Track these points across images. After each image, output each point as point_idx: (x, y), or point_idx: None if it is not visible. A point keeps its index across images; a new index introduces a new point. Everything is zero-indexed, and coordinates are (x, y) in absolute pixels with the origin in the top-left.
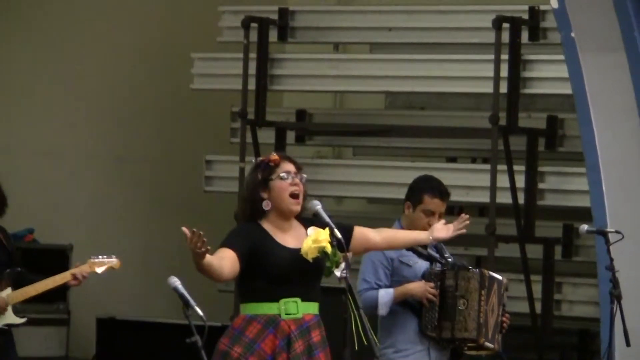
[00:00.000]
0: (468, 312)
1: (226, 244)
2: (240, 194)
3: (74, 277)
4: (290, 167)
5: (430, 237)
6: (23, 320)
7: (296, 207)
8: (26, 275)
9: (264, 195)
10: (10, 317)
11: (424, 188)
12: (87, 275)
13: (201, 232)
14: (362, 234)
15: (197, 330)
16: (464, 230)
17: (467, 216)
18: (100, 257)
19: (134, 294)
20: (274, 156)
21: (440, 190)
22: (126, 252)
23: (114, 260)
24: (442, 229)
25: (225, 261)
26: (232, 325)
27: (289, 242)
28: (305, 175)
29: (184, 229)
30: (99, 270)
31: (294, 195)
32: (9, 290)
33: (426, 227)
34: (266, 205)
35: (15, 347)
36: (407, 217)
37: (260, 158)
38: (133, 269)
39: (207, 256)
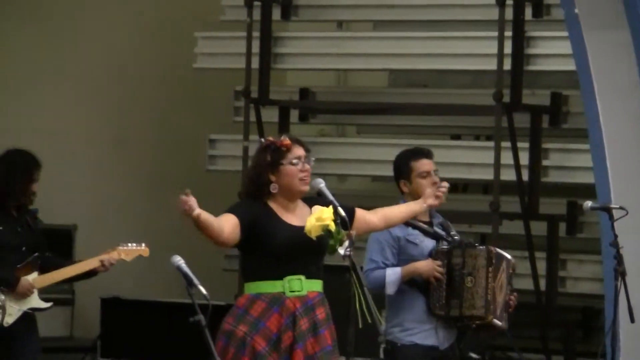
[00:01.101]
0: (476, 290)
1: (229, 210)
2: (245, 172)
3: (102, 263)
4: (301, 151)
5: (424, 204)
6: (49, 305)
7: (305, 188)
8: (53, 259)
9: (272, 178)
10: (36, 301)
11: (406, 157)
12: (115, 263)
13: (188, 194)
14: (363, 217)
15: (201, 309)
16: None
17: (446, 183)
18: (129, 244)
19: (138, 273)
20: (286, 140)
21: (419, 151)
22: (129, 231)
23: (143, 249)
24: (431, 196)
25: (225, 224)
26: (236, 305)
27: (293, 221)
28: (313, 158)
29: (182, 196)
30: (128, 258)
31: (302, 180)
32: (35, 275)
33: (432, 188)
34: (273, 188)
35: (38, 331)
36: (410, 194)
37: (270, 139)
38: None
39: (205, 215)
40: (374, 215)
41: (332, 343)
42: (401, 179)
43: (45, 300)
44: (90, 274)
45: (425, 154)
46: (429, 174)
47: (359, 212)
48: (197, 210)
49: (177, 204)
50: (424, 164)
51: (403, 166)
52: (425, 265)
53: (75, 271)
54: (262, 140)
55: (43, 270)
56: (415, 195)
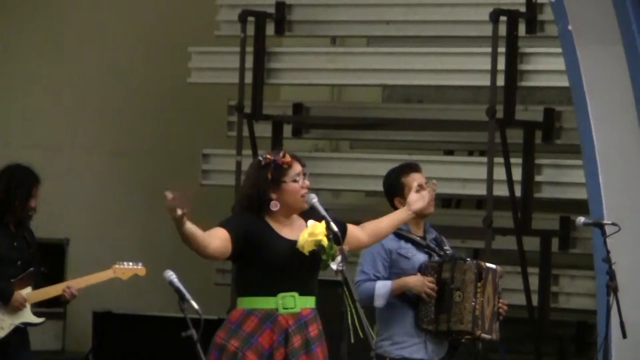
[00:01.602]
0: (464, 305)
1: (221, 224)
2: (239, 188)
3: (64, 291)
4: (299, 167)
5: (410, 211)
6: (41, 320)
7: (306, 205)
8: (47, 275)
9: (274, 195)
10: (28, 316)
11: (395, 175)
12: (76, 294)
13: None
14: (353, 233)
15: (193, 323)
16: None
17: (434, 181)
18: (125, 263)
19: (131, 287)
20: (287, 158)
21: (407, 165)
22: (123, 245)
23: (140, 268)
24: (417, 200)
25: (214, 239)
26: (228, 319)
27: (288, 234)
28: (307, 172)
29: (167, 192)
30: (124, 277)
31: (304, 196)
32: (29, 289)
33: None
34: (274, 205)
35: (30, 346)
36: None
37: (269, 156)
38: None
39: (190, 225)
40: (361, 232)
41: None
42: (395, 197)
43: (38, 314)
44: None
45: (414, 168)
46: (422, 187)
47: (350, 228)
48: (180, 212)
49: (167, 202)
50: (415, 178)
51: (395, 184)
52: (416, 281)
53: (42, 296)
54: (260, 156)
55: (37, 286)
56: None
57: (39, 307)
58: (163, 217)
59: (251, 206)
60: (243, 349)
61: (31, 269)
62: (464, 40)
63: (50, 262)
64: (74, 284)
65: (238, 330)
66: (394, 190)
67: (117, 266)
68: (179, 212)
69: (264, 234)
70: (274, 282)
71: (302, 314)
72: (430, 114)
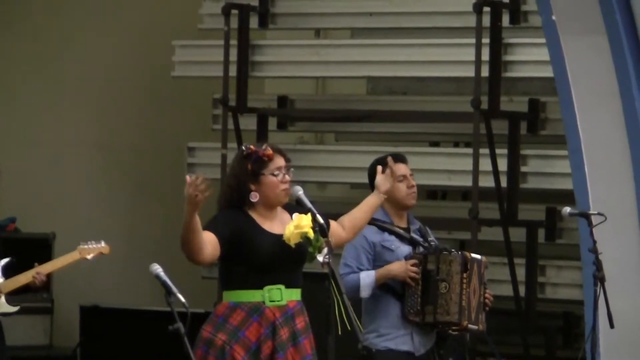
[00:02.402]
0: (450, 296)
1: (208, 227)
2: (224, 179)
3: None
4: (282, 161)
5: (380, 194)
6: (16, 308)
7: (285, 200)
8: (16, 265)
9: (253, 187)
10: (3, 306)
11: (382, 163)
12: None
13: (204, 177)
14: (334, 230)
15: (180, 317)
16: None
17: (391, 160)
18: (89, 243)
19: (118, 281)
20: (269, 151)
21: (394, 156)
22: (109, 239)
23: (103, 246)
24: (384, 182)
25: (207, 243)
26: (214, 313)
27: (274, 229)
28: (292, 168)
29: (187, 177)
30: (89, 256)
31: (283, 191)
32: (1, 280)
33: (408, 191)
34: (254, 197)
35: (4, 337)
36: (388, 199)
37: (252, 148)
38: (116, 256)
39: (197, 220)
40: (340, 228)
41: (312, 352)
42: None
43: (25, 309)
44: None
45: (401, 158)
46: (405, 177)
47: (333, 225)
48: (201, 197)
49: (190, 185)
50: (401, 168)
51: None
52: (398, 267)
53: (13, 285)
54: (243, 147)
55: (7, 276)
56: (393, 199)
57: (26, 302)
58: (149, 211)
59: (232, 198)
60: (230, 343)
61: (6, 259)
62: (448, 32)
63: (37, 256)
64: (42, 269)
65: (225, 324)
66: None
67: (81, 247)
68: (202, 195)
69: (248, 230)
70: (259, 276)
71: (289, 306)
72: (415, 106)
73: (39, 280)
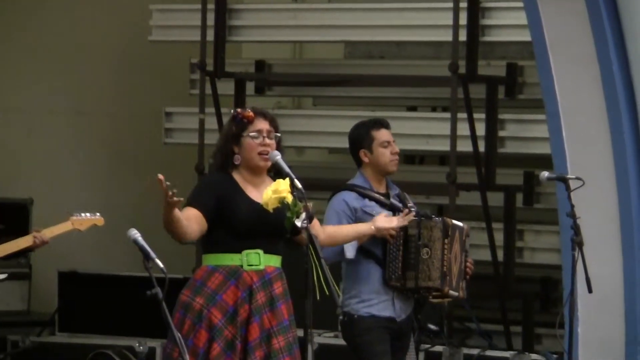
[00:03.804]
0: (431, 261)
1: (192, 202)
2: (200, 145)
3: (34, 240)
4: (264, 125)
5: (373, 227)
6: (4, 276)
7: (263, 163)
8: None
9: (235, 149)
10: None
11: (366, 127)
12: (47, 240)
13: (168, 183)
14: (316, 229)
15: (158, 282)
16: (406, 223)
17: (412, 212)
18: (83, 214)
19: (96, 247)
20: (248, 112)
21: (379, 121)
22: (87, 205)
23: (97, 218)
24: (384, 220)
25: (191, 222)
26: (193, 277)
27: (257, 196)
28: (279, 134)
29: (160, 176)
30: (82, 227)
31: (261, 154)
32: None
33: (392, 157)
34: (236, 159)
35: None
36: (370, 164)
37: (238, 110)
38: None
39: (177, 210)
40: (321, 230)
41: (289, 318)
42: (362, 148)
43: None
44: (28, 249)
45: (385, 124)
46: (389, 143)
47: (317, 224)
48: (176, 199)
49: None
50: (385, 134)
51: (364, 136)
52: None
53: (11, 248)
54: (232, 110)
55: None
56: (375, 164)
57: (3, 268)
58: (126, 176)
59: (220, 159)
60: (208, 306)
61: None
62: None
63: (15, 222)
64: (40, 234)
65: (203, 287)
66: (360, 142)
67: (74, 217)
68: (175, 199)
69: (232, 196)
70: (239, 241)
71: (267, 271)
72: (393, 70)
73: (40, 240)
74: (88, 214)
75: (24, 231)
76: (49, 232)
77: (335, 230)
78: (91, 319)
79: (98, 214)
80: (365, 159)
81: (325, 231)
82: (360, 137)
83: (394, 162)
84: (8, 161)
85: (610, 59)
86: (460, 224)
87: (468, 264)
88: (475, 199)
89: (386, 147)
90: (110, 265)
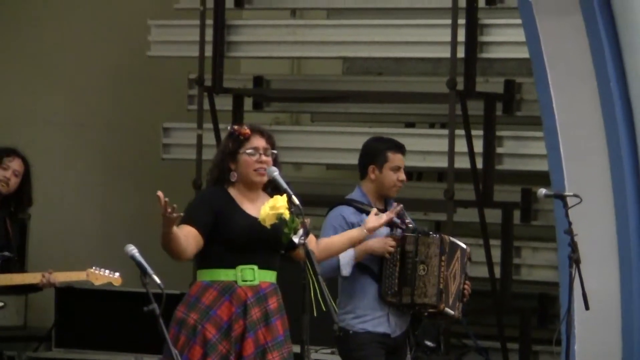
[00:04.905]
0: (428, 278)
1: (188, 219)
2: (198, 161)
3: (42, 280)
4: (260, 142)
5: (364, 231)
6: (1, 304)
7: (259, 179)
8: (15, 263)
9: (232, 166)
10: None
11: (384, 146)
12: (56, 284)
13: (167, 199)
14: (311, 244)
15: (155, 298)
16: (392, 216)
17: (401, 206)
18: (102, 270)
19: (93, 262)
20: (245, 129)
21: (399, 145)
22: (84, 219)
23: (116, 277)
24: (374, 219)
25: (191, 241)
26: (188, 292)
27: (252, 210)
28: (275, 152)
29: (159, 193)
30: (97, 282)
31: (257, 170)
32: None
33: (397, 183)
34: (232, 176)
35: None
36: (374, 181)
37: (235, 127)
38: (91, 237)
39: (176, 228)
40: (315, 244)
41: (284, 333)
42: (372, 164)
43: None
44: (34, 287)
45: (403, 150)
46: (399, 169)
47: (312, 238)
48: (175, 215)
49: (163, 207)
50: (399, 159)
51: (379, 153)
52: (377, 242)
53: (16, 280)
54: (229, 127)
55: (2, 271)
56: (379, 184)
57: None
58: (123, 191)
59: (217, 175)
60: (202, 322)
61: (4, 253)
62: (424, 12)
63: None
64: (51, 276)
65: (197, 303)
66: (373, 157)
67: (92, 270)
68: (174, 214)
69: (226, 210)
70: (234, 256)
71: (261, 286)
72: (391, 86)
73: (47, 281)
74: (107, 271)
75: (21, 248)
76: (61, 276)
77: (328, 242)
78: (88, 335)
79: (117, 273)
80: (372, 175)
81: (319, 246)
82: (375, 153)
83: (397, 188)
84: None
85: (608, 75)
86: (462, 244)
87: (466, 286)
88: (473, 216)
89: (396, 172)
90: None
